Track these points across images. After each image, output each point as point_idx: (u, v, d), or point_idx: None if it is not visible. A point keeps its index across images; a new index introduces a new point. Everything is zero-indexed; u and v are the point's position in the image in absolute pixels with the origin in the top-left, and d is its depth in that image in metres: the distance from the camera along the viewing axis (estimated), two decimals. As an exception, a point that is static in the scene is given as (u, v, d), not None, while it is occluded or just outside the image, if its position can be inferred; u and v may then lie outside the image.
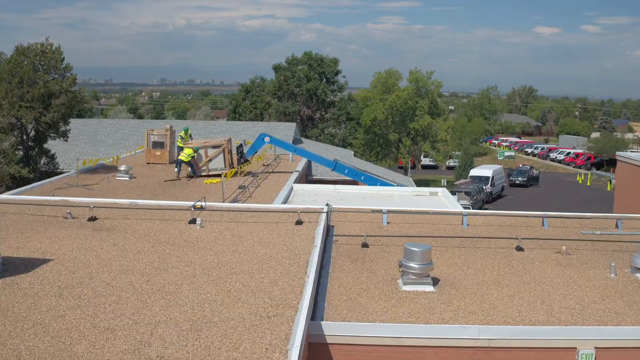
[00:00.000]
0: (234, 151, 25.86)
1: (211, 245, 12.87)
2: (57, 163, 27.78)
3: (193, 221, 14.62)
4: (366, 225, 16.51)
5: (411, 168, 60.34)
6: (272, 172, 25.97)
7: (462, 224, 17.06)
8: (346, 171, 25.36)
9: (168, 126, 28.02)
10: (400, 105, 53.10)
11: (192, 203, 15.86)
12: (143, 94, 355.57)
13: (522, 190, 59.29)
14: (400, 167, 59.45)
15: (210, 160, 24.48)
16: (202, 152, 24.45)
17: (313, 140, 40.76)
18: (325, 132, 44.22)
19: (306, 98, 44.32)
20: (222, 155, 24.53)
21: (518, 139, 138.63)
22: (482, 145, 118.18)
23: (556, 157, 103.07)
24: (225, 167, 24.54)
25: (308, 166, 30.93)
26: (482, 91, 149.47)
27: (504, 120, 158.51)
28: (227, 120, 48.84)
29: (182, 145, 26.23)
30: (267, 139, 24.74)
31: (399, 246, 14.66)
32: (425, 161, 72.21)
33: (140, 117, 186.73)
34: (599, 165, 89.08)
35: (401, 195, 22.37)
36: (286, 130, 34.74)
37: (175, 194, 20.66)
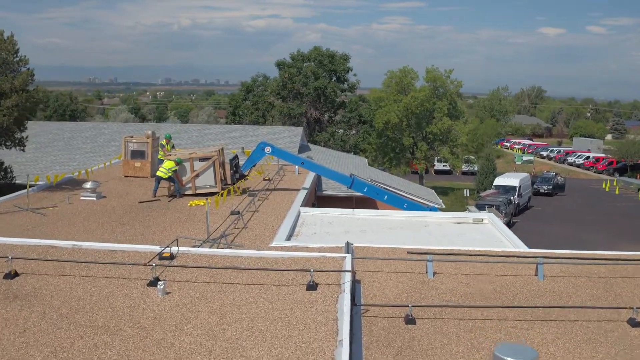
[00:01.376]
0: (229, 164, 21.11)
1: (173, 334, 8.13)
2: (14, 176, 23.12)
3: (154, 282, 9.89)
4: (405, 278, 11.78)
5: (414, 173, 55.26)
6: (275, 189, 21.23)
7: (537, 275, 12.32)
8: (365, 189, 20.58)
9: (149, 132, 23.27)
10: (416, 107, 48.28)
11: (160, 249, 11.14)
12: (147, 93, 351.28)
13: (548, 200, 54.37)
14: (415, 173, 54.50)
15: (197, 175, 19.75)
16: (187, 165, 19.73)
17: (321, 146, 36.00)
18: (335, 136, 39.25)
19: (314, 98, 39.42)
20: (212, 169, 19.80)
21: (531, 141, 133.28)
22: (494, 147, 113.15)
23: (574, 161, 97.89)
24: (216, 183, 19.82)
25: (318, 180, 26.18)
26: (493, 92, 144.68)
27: (514, 121, 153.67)
28: (226, 122, 43.91)
29: (163, 157, 21.54)
30: (268, 149, 20.00)
31: (459, 320, 9.93)
32: (439, 166, 67.40)
33: (142, 117, 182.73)
34: (622, 171, 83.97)
35: (438, 224, 17.60)
36: (291, 135, 30.03)
37: (147, 223, 15.95)
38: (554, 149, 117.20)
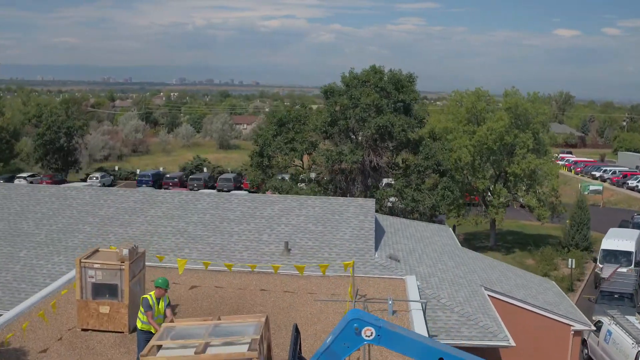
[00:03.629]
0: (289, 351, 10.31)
1: None
2: None
3: None
4: None
5: (473, 205, 43.81)
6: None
7: None
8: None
9: (124, 252, 12.54)
10: (493, 142, 37.42)
11: None
12: (161, 94, 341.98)
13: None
14: (473, 205, 42.88)
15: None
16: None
17: (385, 215, 25.15)
18: (405, 194, 27.60)
19: (373, 139, 28.18)
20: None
21: (572, 155, 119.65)
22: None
23: (637, 185, 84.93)
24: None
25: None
26: (529, 96, 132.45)
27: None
28: (251, 165, 32.63)
29: (144, 325, 10.99)
30: (368, 332, 9.30)
31: None
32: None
33: (154, 122, 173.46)
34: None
35: None
36: (360, 214, 19.23)
37: None
38: (607, 168, 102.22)
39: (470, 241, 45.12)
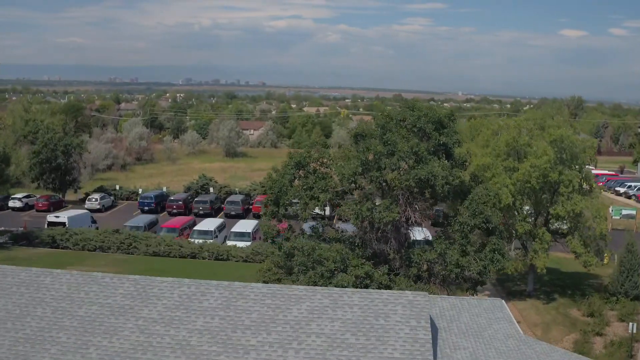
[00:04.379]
0: None
1: None
2: None
3: None
4: None
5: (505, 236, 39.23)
6: None
7: None
8: None
9: None
10: (536, 180, 33.18)
11: None
12: (167, 95, 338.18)
13: None
14: (515, 239, 38.43)
15: None
16: None
17: (431, 294, 20.84)
18: (449, 257, 23.34)
19: (410, 193, 23.90)
20: None
21: (591, 167, 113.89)
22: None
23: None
24: None
25: None
26: (549, 101, 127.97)
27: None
28: (265, 211, 28.14)
29: None
30: None
31: None
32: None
33: (160, 126, 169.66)
34: None
35: None
36: (410, 316, 15.11)
37: None
38: (632, 184, 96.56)
39: (505, 283, 40.81)
